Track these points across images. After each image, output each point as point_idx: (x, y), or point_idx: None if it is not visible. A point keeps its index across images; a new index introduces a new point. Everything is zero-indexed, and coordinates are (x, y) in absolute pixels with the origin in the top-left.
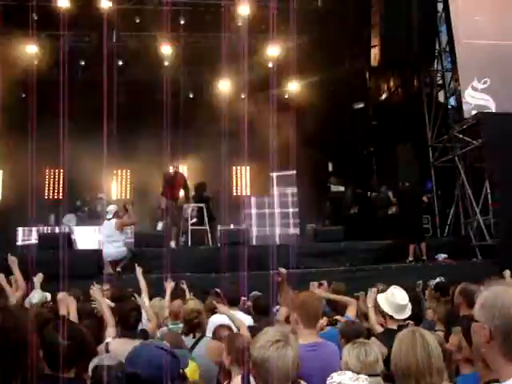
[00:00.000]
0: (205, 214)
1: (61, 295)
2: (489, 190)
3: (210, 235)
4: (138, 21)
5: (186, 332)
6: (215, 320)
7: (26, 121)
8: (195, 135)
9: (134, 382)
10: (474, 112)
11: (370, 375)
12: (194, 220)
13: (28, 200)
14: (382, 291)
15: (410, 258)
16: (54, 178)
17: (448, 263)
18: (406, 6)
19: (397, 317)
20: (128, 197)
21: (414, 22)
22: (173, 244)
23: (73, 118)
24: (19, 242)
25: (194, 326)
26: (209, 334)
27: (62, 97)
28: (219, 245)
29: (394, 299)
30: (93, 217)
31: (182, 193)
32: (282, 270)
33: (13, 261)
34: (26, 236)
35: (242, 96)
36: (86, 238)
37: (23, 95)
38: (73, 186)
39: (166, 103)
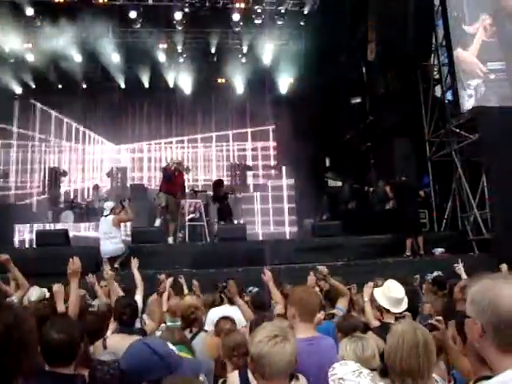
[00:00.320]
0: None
1: (56, 287)
2: (486, 184)
3: (207, 231)
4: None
5: (183, 327)
6: (214, 314)
7: None
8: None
9: (124, 378)
10: (470, 106)
11: None
12: (215, 219)
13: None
14: (381, 286)
15: (408, 253)
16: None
17: (445, 258)
18: (402, 0)
19: (393, 310)
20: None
21: (410, 16)
22: (170, 240)
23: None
24: (16, 240)
25: (191, 321)
26: (208, 327)
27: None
28: (216, 240)
29: (390, 293)
30: (90, 213)
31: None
32: (266, 270)
33: (7, 259)
34: (23, 233)
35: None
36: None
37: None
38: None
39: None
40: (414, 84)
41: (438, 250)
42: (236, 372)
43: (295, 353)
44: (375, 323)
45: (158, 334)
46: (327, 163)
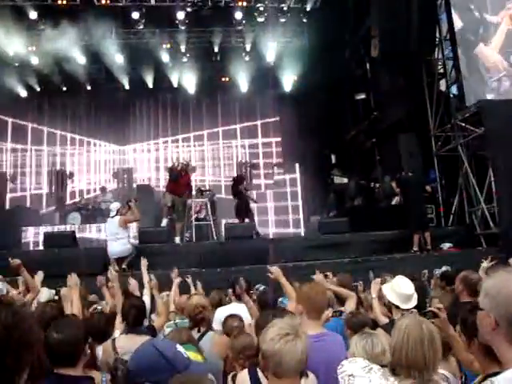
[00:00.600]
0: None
1: (64, 290)
2: (492, 178)
3: (213, 230)
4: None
5: (191, 327)
6: (221, 313)
7: None
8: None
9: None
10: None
11: None
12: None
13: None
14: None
15: (415, 248)
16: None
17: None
18: None
19: (403, 307)
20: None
21: (413, 10)
22: (177, 240)
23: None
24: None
25: (199, 320)
26: (216, 326)
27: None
28: (224, 239)
29: (399, 289)
30: (97, 215)
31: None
32: (273, 268)
33: (19, 264)
34: (31, 235)
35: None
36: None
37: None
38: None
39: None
40: (419, 79)
41: (446, 245)
42: (245, 370)
43: (306, 351)
44: (384, 320)
45: (168, 330)
46: (333, 160)
